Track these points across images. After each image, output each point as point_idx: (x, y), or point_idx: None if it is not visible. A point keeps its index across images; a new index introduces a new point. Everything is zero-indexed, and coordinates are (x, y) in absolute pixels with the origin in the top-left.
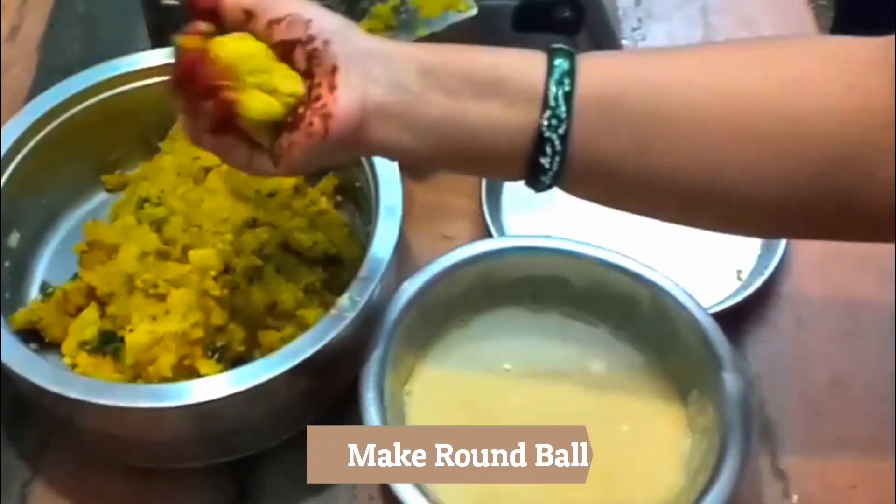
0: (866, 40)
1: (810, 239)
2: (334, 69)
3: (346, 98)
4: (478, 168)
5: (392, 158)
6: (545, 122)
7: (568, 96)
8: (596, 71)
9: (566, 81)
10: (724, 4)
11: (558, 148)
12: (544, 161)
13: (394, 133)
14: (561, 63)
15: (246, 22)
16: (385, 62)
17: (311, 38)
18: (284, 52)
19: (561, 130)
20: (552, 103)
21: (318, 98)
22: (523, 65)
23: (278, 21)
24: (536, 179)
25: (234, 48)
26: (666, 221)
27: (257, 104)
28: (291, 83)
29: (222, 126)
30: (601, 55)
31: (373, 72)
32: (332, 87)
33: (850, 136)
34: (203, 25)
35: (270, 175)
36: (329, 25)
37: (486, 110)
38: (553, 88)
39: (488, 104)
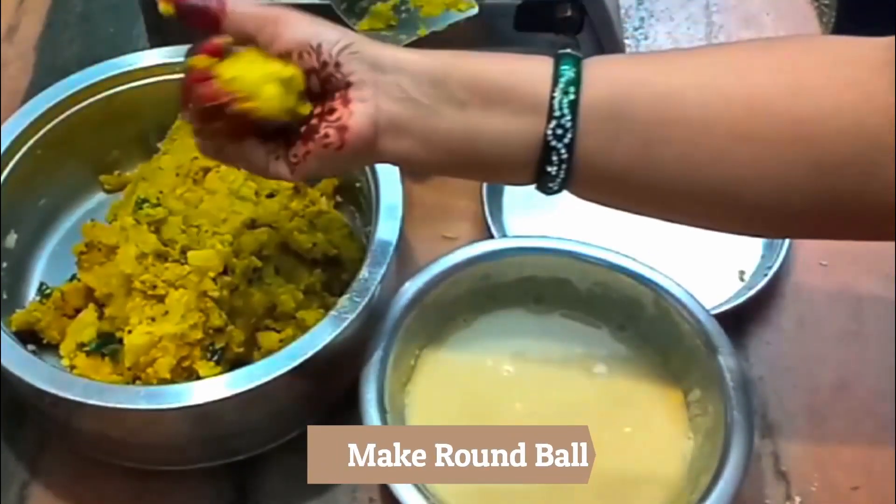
0: (870, 41)
1: (812, 238)
2: (347, 84)
3: (360, 112)
4: (487, 175)
5: (403, 167)
6: (550, 133)
7: (573, 105)
8: (601, 78)
9: (571, 90)
10: (727, 2)
11: (564, 156)
12: (551, 169)
13: (406, 145)
14: (566, 71)
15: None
16: (395, 73)
17: (323, 65)
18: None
19: (566, 140)
20: (557, 113)
21: (332, 111)
22: (529, 73)
23: (287, 54)
24: (545, 185)
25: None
26: (673, 222)
27: (270, 98)
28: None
29: (241, 132)
30: (607, 60)
31: (384, 85)
32: (347, 101)
33: (856, 138)
34: (218, 39)
35: (286, 180)
36: (336, 46)
37: (494, 121)
38: (558, 98)
39: (496, 114)
